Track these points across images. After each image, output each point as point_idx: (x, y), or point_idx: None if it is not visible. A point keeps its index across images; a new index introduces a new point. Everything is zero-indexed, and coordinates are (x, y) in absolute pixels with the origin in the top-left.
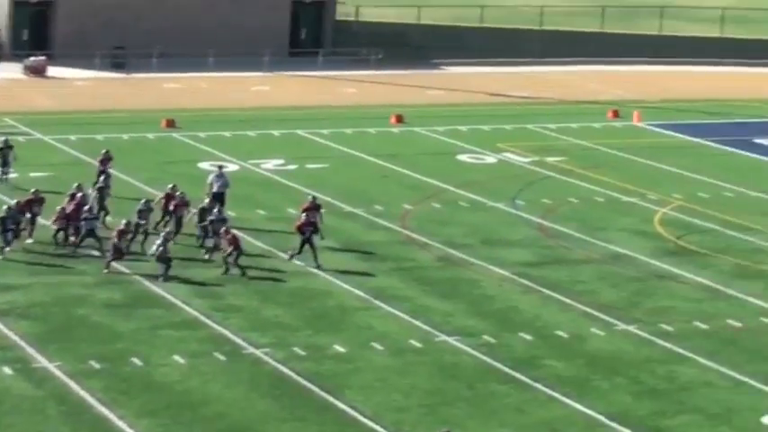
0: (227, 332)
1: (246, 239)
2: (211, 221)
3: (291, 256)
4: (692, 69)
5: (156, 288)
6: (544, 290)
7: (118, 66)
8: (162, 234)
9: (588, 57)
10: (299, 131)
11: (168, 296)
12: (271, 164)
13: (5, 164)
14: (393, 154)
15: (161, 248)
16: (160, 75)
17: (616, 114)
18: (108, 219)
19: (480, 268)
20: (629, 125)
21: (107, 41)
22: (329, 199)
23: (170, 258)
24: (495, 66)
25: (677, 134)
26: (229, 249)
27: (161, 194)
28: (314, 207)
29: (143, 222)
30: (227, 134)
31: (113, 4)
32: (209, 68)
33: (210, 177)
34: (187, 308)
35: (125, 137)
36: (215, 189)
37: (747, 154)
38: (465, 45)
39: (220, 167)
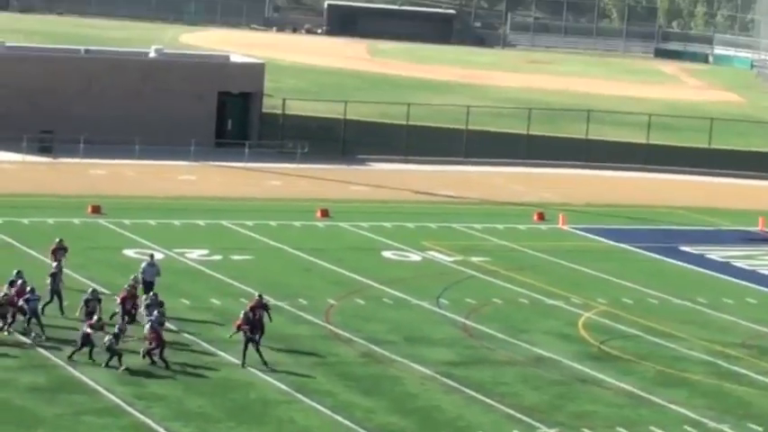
0: (149, 421)
1: (170, 329)
2: (150, 321)
3: (243, 364)
4: (619, 174)
5: (79, 374)
6: (467, 390)
7: (45, 150)
8: (117, 325)
9: (514, 158)
10: (224, 222)
11: (91, 382)
12: (195, 254)
13: None
14: (318, 248)
15: (111, 340)
16: (87, 160)
17: (541, 217)
18: (65, 304)
19: (403, 366)
20: (555, 228)
21: (34, 125)
22: (252, 290)
23: (119, 350)
24: (421, 164)
25: (602, 239)
26: (152, 345)
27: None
28: (260, 305)
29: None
30: (152, 222)
31: (41, 88)
32: (136, 156)
33: (142, 266)
34: (110, 395)
35: (50, 221)
36: (147, 278)
37: (672, 261)
38: (391, 142)
39: (152, 256)
